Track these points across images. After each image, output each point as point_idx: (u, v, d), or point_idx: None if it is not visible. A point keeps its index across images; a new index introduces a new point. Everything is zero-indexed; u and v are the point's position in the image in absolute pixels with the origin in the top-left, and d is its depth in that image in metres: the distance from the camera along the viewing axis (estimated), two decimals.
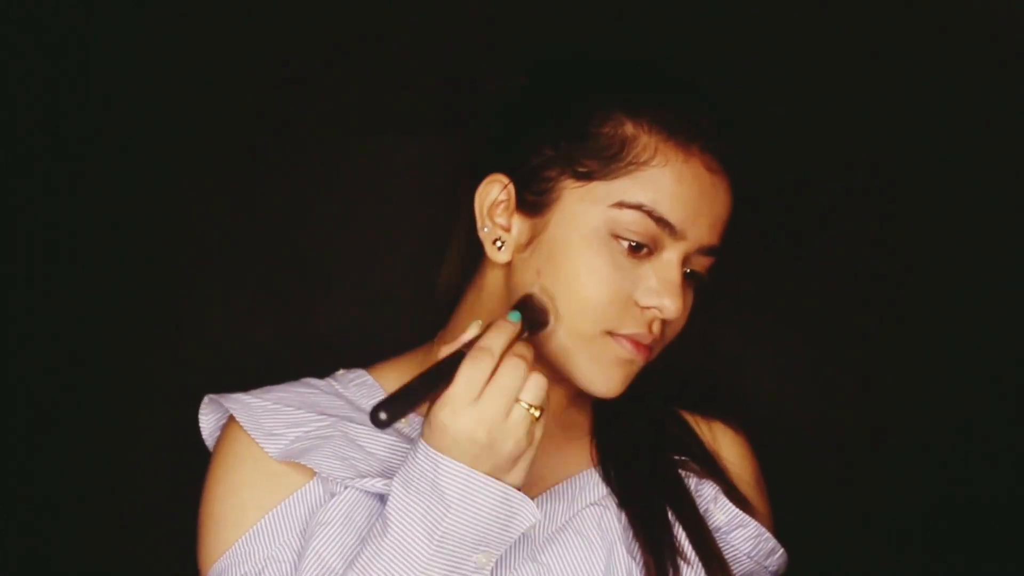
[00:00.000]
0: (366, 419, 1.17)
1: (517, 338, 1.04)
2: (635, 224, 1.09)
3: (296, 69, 1.42)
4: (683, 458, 1.24)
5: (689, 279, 1.14)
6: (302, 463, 1.12)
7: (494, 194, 1.14)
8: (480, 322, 1.05)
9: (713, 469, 1.24)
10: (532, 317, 1.09)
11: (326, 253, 1.45)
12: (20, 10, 1.35)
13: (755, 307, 1.50)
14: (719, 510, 1.21)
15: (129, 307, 1.42)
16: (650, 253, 1.10)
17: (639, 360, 1.13)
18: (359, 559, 1.03)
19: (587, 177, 1.10)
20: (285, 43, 1.41)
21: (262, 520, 1.11)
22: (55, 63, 1.37)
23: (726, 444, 1.28)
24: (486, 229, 1.15)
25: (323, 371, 1.27)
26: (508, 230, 1.14)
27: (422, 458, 1.01)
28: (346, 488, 1.11)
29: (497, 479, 1.01)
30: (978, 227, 1.46)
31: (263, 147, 1.42)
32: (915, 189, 1.47)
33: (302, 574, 1.08)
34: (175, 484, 1.35)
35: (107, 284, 1.41)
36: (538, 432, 1.03)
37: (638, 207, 1.09)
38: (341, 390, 1.22)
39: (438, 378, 1.01)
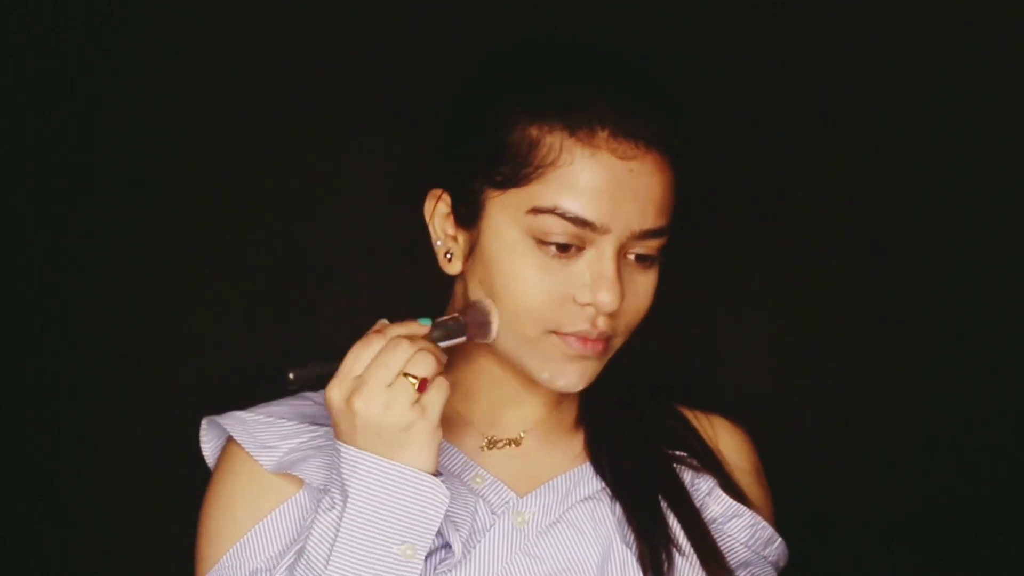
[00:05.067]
0: None
1: (453, 341, 1.10)
2: (553, 227, 1.08)
3: (290, 74, 1.42)
4: (681, 453, 1.25)
5: (640, 262, 1.13)
6: (293, 473, 1.15)
7: (439, 207, 1.17)
8: (385, 321, 1.09)
9: (710, 462, 1.25)
10: (472, 318, 1.12)
11: (325, 262, 1.45)
12: (20, 9, 1.35)
13: (753, 306, 1.51)
14: (714, 502, 1.22)
15: (129, 316, 1.42)
16: (580, 249, 1.10)
17: (592, 354, 1.13)
18: (294, 560, 1.08)
19: (504, 186, 1.10)
20: (277, 49, 1.41)
21: (249, 534, 1.14)
22: (53, 68, 1.38)
23: (726, 438, 1.29)
24: (438, 242, 1.18)
25: None
26: (457, 241, 1.17)
27: (335, 451, 1.06)
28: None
29: (390, 456, 1.04)
30: (978, 227, 1.46)
31: (262, 154, 1.43)
32: (916, 188, 1.47)
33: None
34: (174, 494, 1.36)
35: (105, 293, 1.41)
36: (432, 407, 1.05)
37: (551, 211, 1.08)
38: None
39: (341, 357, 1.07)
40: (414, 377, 1.04)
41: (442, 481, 1.06)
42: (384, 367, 1.04)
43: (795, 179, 1.48)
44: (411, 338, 1.06)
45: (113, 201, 1.41)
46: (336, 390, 1.05)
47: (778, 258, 1.50)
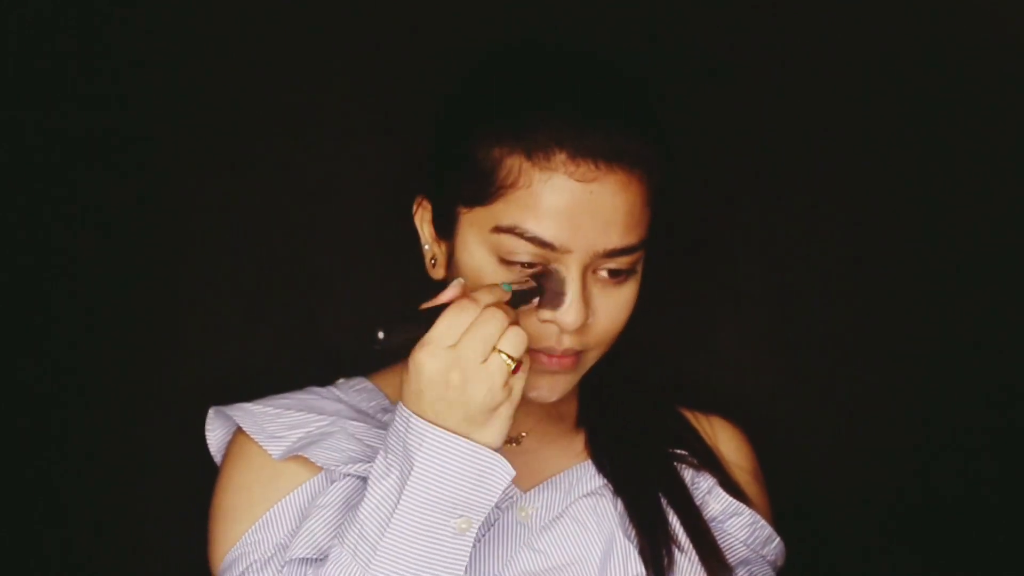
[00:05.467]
0: (366, 419, 1.21)
1: (526, 305, 1.07)
2: (516, 246, 1.08)
3: (291, 75, 1.42)
4: (682, 452, 1.26)
5: (613, 277, 1.12)
6: (302, 455, 1.15)
7: (424, 214, 1.18)
8: (461, 280, 1.06)
9: (710, 461, 1.26)
10: (547, 285, 1.09)
11: (326, 261, 1.45)
12: (20, 9, 1.35)
13: (752, 306, 1.51)
14: (714, 500, 1.23)
15: (129, 316, 1.42)
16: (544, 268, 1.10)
17: (559, 369, 1.14)
18: (340, 528, 1.05)
19: (471, 203, 1.11)
20: (282, 46, 1.41)
21: (270, 511, 1.14)
22: (53, 68, 1.38)
23: (725, 439, 1.31)
24: (426, 247, 1.19)
25: (324, 379, 1.28)
26: (440, 247, 1.17)
27: (398, 419, 1.03)
28: (344, 476, 1.14)
29: (467, 434, 1.01)
30: (978, 227, 1.46)
31: (262, 152, 1.43)
32: (916, 187, 1.47)
33: (293, 551, 1.10)
34: (178, 490, 1.36)
35: (104, 293, 1.41)
36: (517, 388, 1.03)
37: (511, 230, 1.08)
38: (342, 396, 1.25)
39: (433, 319, 1.01)
40: (509, 356, 1.01)
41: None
42: (481, 342, 1.00)
43: (794, 179, 1.48)
44: (501, 307, 1.02)
45: (113, 200, 1.41)
46: (432, 359, 1.00)
47: (777, 258, 1.50)
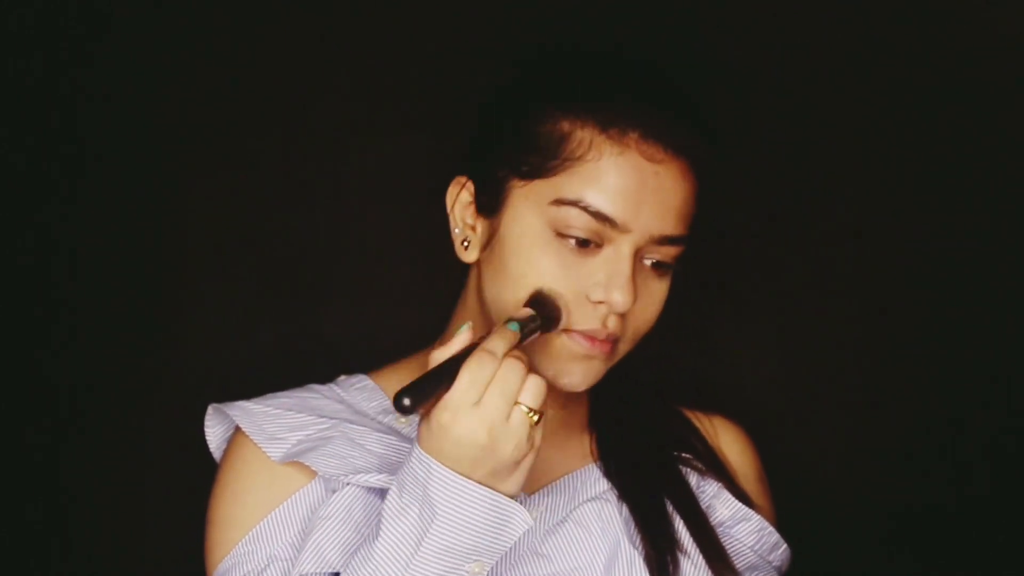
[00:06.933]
0: (366, 421, 1.20)
1: (531, 337, 1.06)
2: (575, 220, 1.08)
3: (296, 71, 1.42)
4: (686, 455, 1.25)
5: (656, 269, 1.13)
6: (302, 462, 1.14)
7: (461, 195, 1.17)
8: (470, 324, 1.06)
9: (715, 465, 1.25)
10: (545, 313, 1.09)
11: (328, 257, 1.45)
12: (21, 9, 1.35)
13: (753, 307, 1.51)
14: (722, 505, 1.23)
15: (130, 315, 1.42)
16: (598, 247, 1.10)
17: (598, 354, 1.13)
18: (351, 562, 1.04)
19: (529, 176, 1.10)
20: (283, 46, 1.41)
21: (264, 520, 1.13)
22: (54, 67, 1.38)
23: (728, 440, 1.30)
24: (456, 230, 1.18)
25: (326, 376, 1.28)
26: (475, 230, 1.16)
27: (416, 463, 1.02)
28: (346, 485, 1.13)
29: (491, 486, 1.01)
30: (980, 231, 1.46)
31: (264, 151, 1.43)
32: (913, 190, 1.47)
33: (300, 566, 1.10)
34: (179, 489, 1.36)
35: (106, 289, 1.41)
36: (538, 437, 1.03)
37: (575, 203, 1.08)
38: (343, 394, 1.24)
39: (451, 374, 1.00)
40: (531, 410, 1.01)
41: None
42: (503, 398, 1.00)
43: (794, 180, 1.48)
44: (521, 359, 1.02)
45: (116, 196, 1.41)
46: (459, 424, 0.99)
47: (778, 259, 1.50)
